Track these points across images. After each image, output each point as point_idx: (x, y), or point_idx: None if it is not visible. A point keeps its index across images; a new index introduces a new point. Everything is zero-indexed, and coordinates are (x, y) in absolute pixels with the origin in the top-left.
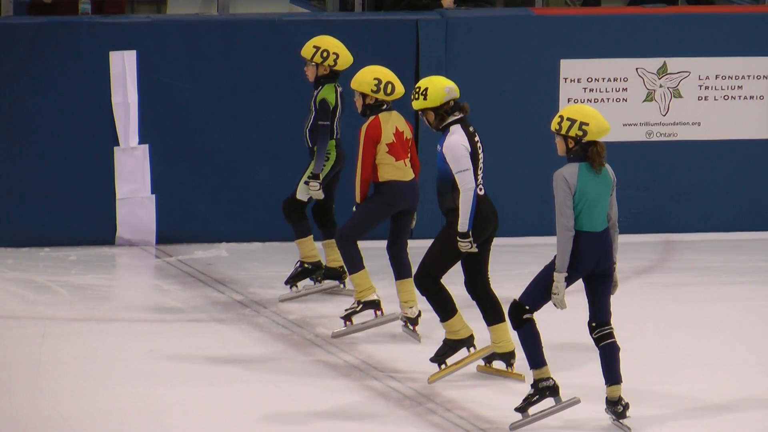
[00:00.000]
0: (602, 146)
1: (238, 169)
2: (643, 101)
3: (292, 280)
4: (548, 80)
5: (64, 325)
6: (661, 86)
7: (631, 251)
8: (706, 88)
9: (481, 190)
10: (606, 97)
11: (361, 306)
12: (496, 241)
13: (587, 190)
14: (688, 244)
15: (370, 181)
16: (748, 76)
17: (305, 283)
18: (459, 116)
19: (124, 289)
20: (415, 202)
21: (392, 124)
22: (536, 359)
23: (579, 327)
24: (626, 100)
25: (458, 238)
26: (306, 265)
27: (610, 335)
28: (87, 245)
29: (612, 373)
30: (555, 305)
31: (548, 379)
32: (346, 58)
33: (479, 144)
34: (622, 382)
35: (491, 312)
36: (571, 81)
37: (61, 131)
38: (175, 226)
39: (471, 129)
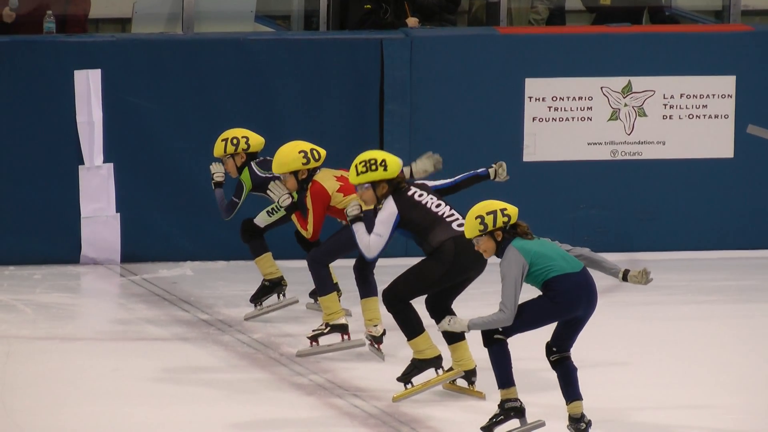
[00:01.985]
0: (525, 225)
1: (203, 188)
2: (608, 120)
3: (255, 298)
4: (513, 99)
5: (28, 343)
6: (626, 105)
7: (595, 270)
8: (671, 107)
9: (461, 226)
10: (571, 116)
11: (328, 328)
12: None
13: (536, 249)
14: (653, 263)
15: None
16: (713, 95)
17: (270, 300)
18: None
19: (89, 308)
20: None
21: (328, 176)
22: (504, 379)
23: (542, 348)
24: (591, 119)
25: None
26: (265, 283)
27: (568, 358)
28: (51, 264)
29: (571, 390)
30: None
31: (515, 399)
32: (256, 139)
33: (426, 195)
34: (582, 399)
35: (451, 332)
36: (536, 100)
37: (25, 150)
38: (140, 245)
39: (409, 193)
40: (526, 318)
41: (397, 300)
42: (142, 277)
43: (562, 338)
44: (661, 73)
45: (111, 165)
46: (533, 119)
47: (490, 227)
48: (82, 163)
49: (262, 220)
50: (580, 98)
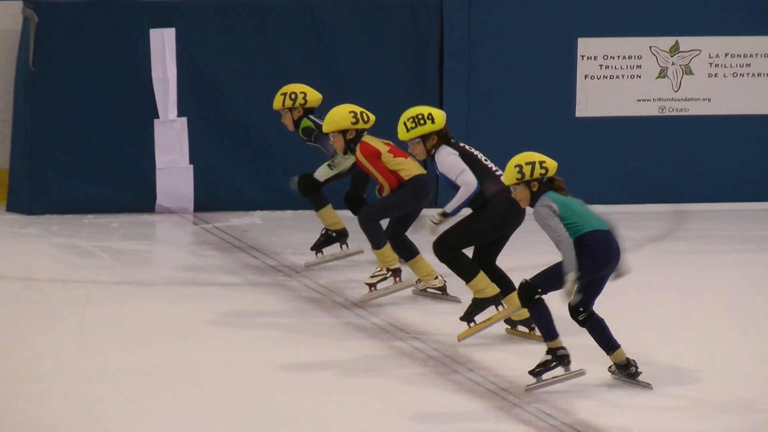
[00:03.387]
0: (561, 180)
1: (271, 142)
2: (656, 78)
3: (316, 247)
4: (566, 57)
5: (106, 288)
6: (673, 64)
7: (644, 220)
8: (716, 65)
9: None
10: (621, 74)
11: (389, 272)
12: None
13: (568, 203)
14: (698, 213)
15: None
16: (756, 54)
17: (332, 249)
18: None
19: (163, 255)
20: (428, 200)
21: (376, 140)
22: (550, 332)
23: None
24: (640, 77)
25: (437, 217)
26: (331, 233)
27: (593, 313)
28: (128, 212)
29: (607, 341)
30: (566, 298)
31: (562, 348)
32: (314, 95)
33: (467, 147)
34: (620, 346)
35: (502, 285)
36: (587, 58)
37: (103, 105)
38: (212, 195)
39: (461, 144)
40: (552, 275)
41: (449, 250)
42: (213, 225)
43: (586, 298)
44: (706, 34)
45: (184, 119)
46: (585, 77)
47: (527, 177)
48: (157, 117)
49: (322, 173)
50: (630, 57)
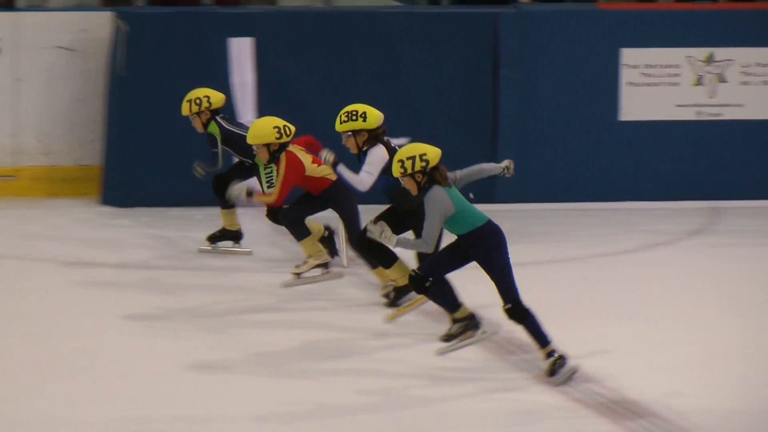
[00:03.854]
0: (443, 168)
1: (336, 140)
2: (693, 85)
3: (213, 239)
4: (610, 66)
5: (189, 274)
6: (708, 72)
7: (681, 216)
8: (748, 74)
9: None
10: (661, 82)
11: (314, 264)
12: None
13: (460, 201)
14: (732, 210)
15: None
16: None
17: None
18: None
19: (242, 243)
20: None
21: (299, 150)
22: (452, 305)
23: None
24: (678, 85)
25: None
26: (227, 232)
27: (509, 311)
28: (209, 206)
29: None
30: (384, 241)
31: (470, 315)
32: (216, 96)
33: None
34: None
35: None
36: (630, 67)
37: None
38: None
39: (392, 144)
40: (441, 261)
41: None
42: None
43: (439, 269)
44: (739, 45)
45: None
46: (628, 84)
47: (409, 170)
48: (236, 118)
49: (235, 193)
50: (669, 66)
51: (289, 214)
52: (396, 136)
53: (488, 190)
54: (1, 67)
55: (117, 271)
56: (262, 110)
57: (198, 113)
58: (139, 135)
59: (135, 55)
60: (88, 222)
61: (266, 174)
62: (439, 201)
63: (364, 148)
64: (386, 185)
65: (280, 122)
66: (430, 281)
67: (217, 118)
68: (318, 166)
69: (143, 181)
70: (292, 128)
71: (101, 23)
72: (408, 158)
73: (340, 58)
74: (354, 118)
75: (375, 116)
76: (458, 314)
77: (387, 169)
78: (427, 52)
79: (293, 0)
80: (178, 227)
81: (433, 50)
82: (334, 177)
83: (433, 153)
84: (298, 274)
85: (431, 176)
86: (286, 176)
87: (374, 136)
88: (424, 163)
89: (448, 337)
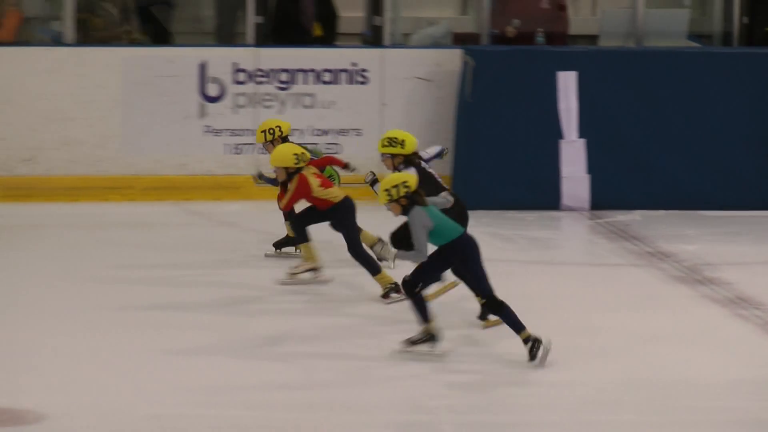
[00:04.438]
0: (422, 192)
1: (649, 158)
2: None
3: (279, 245)
4: None
5: (523, 266)
6: None
7: None
8: None
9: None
10: None
11: (306, 268)
12: None
13: (438, 217)
14: None
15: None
16: None
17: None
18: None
19: (566, 242)
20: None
21: (311, 174)
22: (425, 317)
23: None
24: None
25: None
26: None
27: (487, 305)
28: (540, 209)
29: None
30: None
31: (434, 331)
32: (286, 126)
33: (427, 168)
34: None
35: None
36: None
37: (522, 127)
38: (603, 197)
39: (417, 162)
40: (429, 269)
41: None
42: (604, 220)
43: (430, 279)
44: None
45: (584, 140)
46: None
47: (395, 197)
48: (562, 137)
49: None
50: None
51: (295, 221)
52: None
53: None
54: (371, 94)
55: None
56: (583, 131)
57: (271, 141)
58: (482, 150)
59: (479, 84)
60: None
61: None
62: (419, 218)
63: (399, 168)
64: None
65: (298, 150)
66: (420, 286)
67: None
68: (324, 189)
69: (484, 187)
70: (307, 155)
71: (452, 58)
72: (393, 187)
73: (649, 89)
74: (394, 144)
75: (412, 143)
76: (428, 327)
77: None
78: (727, 90)
79: (609, 41)
80: (513, 227)
81: (732, 87)
82: (337, 200)
83: (412, 180)
84: (292, 274)
85: (412, 199)
86: (295, 193)
87: (408, 160)
88: (406, 189)
89: (409, 342)
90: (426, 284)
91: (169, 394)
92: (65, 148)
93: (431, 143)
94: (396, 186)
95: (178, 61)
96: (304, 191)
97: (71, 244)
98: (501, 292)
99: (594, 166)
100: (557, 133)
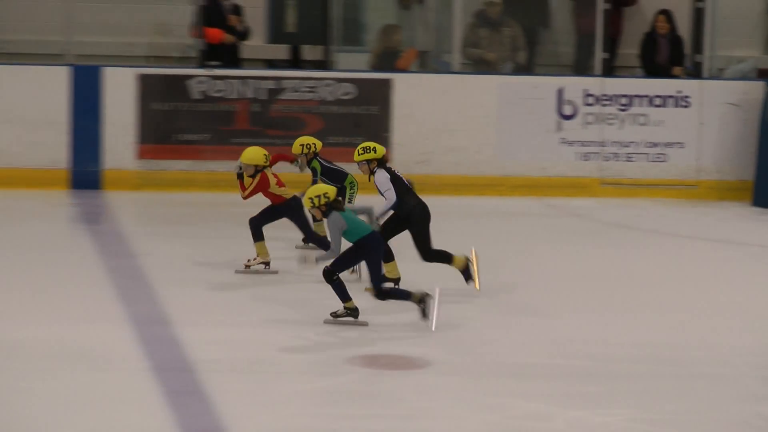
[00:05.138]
0: (339, 199)
1: None
2: None
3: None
4: None
5: None
6: None
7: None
8: None
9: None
10: None
11: (259, 263)
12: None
13: (352, 220)
14: None
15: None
16: None
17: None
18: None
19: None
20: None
21: (270, 174)
22: (345, 296)
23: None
24: None
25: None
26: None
27: (375, 293)
28: None
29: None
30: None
31: (354, 307)
32: (319, 143)
33: (397, 171)
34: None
35: (446, 257)
36: None
37: None
38: None
39: (392, 169)
40: (344, 260)
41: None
42: None
43: (344, 267)
44: None
45: None
46: None
47: (317, 204)
48: None
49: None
50: None
51: (253, 221)
52: None
53: None
54: (692, 115)
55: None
56: None
57: (306, 154)
58: None
59: None
60: (741, 217)
61: (350, 193)
62: (335, 222)
63: (374, 171)
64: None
65: (265, 152)
66: (337, 275)
67: (318, 157)
68: (279, 187)
69: None
70: (270, 156)
71: (756, 89)
72: (316, 196)
73: None
74: (368, 151)
75: (381, 150)
76: (348, 304)
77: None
78: None
79: None
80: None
81: None
82: (288, 197)
83: (331, 191)
84: (247, 266)
85: (331, 206)
86: (256, 187)
87: (380, 163)
88: (326, 199)
89: (334, 315)
90: (341, 272)
91: None
92: (451, 153)
93: (739, 154)
94: (318, 196)
95: (540, 87)
96: (263, 186)
97: (459, 230)
98: None
99: None
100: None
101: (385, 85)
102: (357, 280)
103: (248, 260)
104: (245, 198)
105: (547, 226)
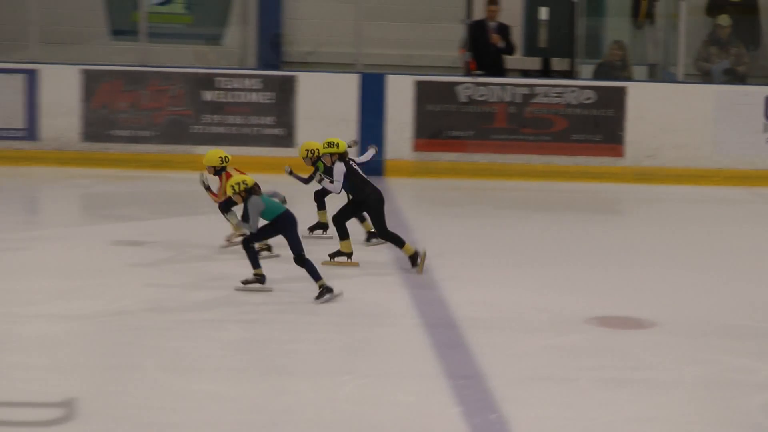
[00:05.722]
0: (257, 185)
1: None
2: None
3: (312, 229)
4: None
5: None
6: None
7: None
8: None
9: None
10: None
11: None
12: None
13: (268, 203)
14: None
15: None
16: None
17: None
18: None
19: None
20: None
21: (234, 172)
22: (317, 276)
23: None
24: None
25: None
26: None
27: (296, 260)
28: None
29: (317, 273)
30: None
31: (327, 285)
32: (322, 148)
33: (357, 166)
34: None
35: (399, 240)
36: None
37: None
38: None
39: (350, 163)
40: (261, 233)
41: (341, 221)
42: None
43: (261, 238)
44: None
45: None
46: None
47: (237, 190)
48: None
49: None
50: None
51: (222, 206)
52: None
53: None
54: None
55: None
56: None
57: (310, 157)
58: None
59: None
60: None
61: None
62: (253, 204)
63: (335, 162)
64: (348, 187)
65: (223, 153)
66: (253, 245)
67: (322, 158)
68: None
69: None
70: (230, 157)
71: None
72: (236, 184)
73: None
74: (332, 146)
75: (343, 145)
76: (256, 271)
77: (348, 176)
78: None
79: None
80: None
81: None
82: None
83: (250, 180)
84: (229, 241)
85: (250, 191)
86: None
87: (341, 157)
88: (245, 185)
89: (245, 281)
90: (257, 242)
91: None
92: (675, 149)
93: None
94: (238, 183)
95: (750, 95)
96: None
97: (683, 214)
98: None
99: None
100: None
101: (621, 91)
102: (273, 256)
103: (227, 237)
104: (220, 202)
105: (754, 210)
